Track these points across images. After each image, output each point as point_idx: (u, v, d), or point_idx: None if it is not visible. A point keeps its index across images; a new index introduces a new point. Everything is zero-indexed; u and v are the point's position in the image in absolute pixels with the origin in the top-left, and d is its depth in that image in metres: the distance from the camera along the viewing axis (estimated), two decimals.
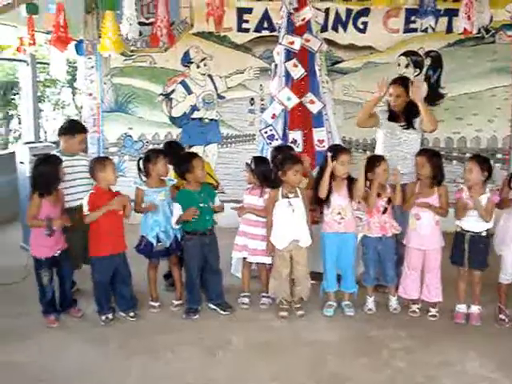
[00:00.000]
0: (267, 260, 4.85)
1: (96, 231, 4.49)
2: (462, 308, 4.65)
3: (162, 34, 5.72)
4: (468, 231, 4.50)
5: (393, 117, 5.17)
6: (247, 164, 4.90)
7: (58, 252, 4.55)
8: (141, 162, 4.86)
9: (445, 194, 4.60)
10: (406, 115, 5.13)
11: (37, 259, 4.53)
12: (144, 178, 4.80)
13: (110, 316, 4.60)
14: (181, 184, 4.81)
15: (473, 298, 4.62)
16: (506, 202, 4.47)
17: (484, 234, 4.49)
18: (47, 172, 4.47)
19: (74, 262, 4.79)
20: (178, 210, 4.59)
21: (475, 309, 4.61)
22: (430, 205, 4.57)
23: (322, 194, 4.62)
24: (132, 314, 4.65)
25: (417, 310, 4.75)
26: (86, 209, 4.43)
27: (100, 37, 7.05)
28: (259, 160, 4.94)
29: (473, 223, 4.47)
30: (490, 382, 3.71)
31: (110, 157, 5.62)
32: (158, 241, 4.72)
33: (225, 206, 4.86)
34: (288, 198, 4.62)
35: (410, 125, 5.10)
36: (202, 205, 4.64)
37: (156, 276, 4.94)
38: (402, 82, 5.19)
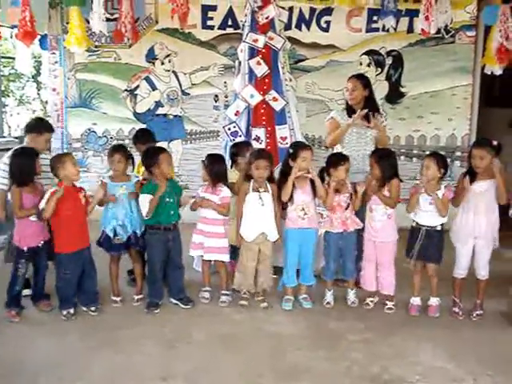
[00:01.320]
0: (224, 258, 4.91)
1: (60, 227, 4.49)
2: (416, 301, 4.77)
3: (127, 30, 5.76)
4: (423, 225, 4.63)
5: (351, 115, 5.16)
6: (202, 161, 4.92)
7: (42, 243, 4.59)
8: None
9: (395, 187, 4.70)
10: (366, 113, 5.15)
11: (19, 250, 4.53)
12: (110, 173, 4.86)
13: (72, 311, 4.60)
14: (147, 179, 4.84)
15: (431, 291, 4.75)
16: (459, 198, 4.61)
17: (439, 228, 4.62)
18: (22, 164, 4.49)
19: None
20: (146, 199, 4.60)
21: (434, 301, 4.74)
22: (383, 197, 4.68)
23: (285, 198, 4.71)
24: (93, 308, 4.67)
25: (370, 303, 4.88)
26: (42, 204, 4.40)
27: (64, 32, 7.15)
28: (214, 158, 4.94)
29: (428, 218, 4.60)
30: (442, 372, 3.82)
31: (74, 152, 5.67)
32: (116, 234, 4.74)
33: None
34: (259, 191, 4.69)
35: (369, 122, 5.13)
36: (167, 199, 4.68)
37: (117, 271, 4.96)
38: (358, 76, 5.30)
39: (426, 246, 4.63)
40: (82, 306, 4.70)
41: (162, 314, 4.69)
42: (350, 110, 5.22)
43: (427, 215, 4.60)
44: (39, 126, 5.10)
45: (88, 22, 5.62)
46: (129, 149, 5.03)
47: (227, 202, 4.81)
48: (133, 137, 5.50)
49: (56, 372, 3.78)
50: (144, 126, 7.24)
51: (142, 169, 5.00)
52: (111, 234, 4.74)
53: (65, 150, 7.14)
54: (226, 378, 3.74)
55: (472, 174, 4.55)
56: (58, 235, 4.53)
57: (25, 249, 4.53)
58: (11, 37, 7.90)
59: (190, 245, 4.97)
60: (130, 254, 4.94)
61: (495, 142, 4.53)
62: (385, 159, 4.70)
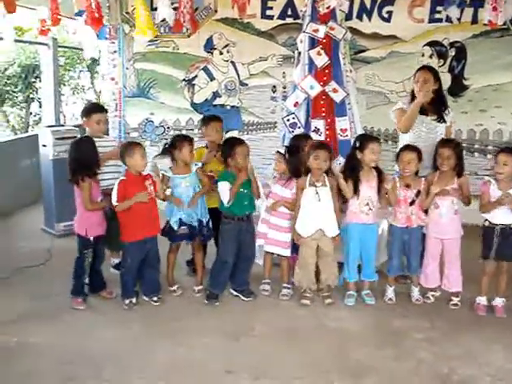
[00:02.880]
0: (285, 252, 4.86)
1: (127, 216, 4.50)
2: (482, 300, 4.65)
3: (185, 19, 5.72)
4: (497, 224, 4.48)
5: (421, 110, 5.00)
6: (279, 153, 4.84)
7: (103, 232, 4.64)
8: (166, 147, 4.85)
9: (466, 183, 4.60)
10: (435, 107, 5.04)
11: (85, 239, 4.58)
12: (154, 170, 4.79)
13: (134, 300, 4.62)
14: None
15: (498, 290, 4.61)
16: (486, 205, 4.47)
17: None
18: (88, 153, 4.52)
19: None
20: (226, 187, 4.58)
21: (500, 301, 4.61)
22: (449, 191, 4.56)
23: (350, 194, 4.64)
24: (155, 298, 4.69)
25: (431, 297, 4.80)
26: (114, 199, 4.44)
27: (124, 21, 7.19)
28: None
29: (503, 215, 4.45)
30: None
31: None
32: (181, 225, 4.72)
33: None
34: (315, 186, 4.61)
35: (441, 118, 5.03)
36: (241, 190, 4.64)
37: (175, 260, 4.94)
38: (430, 68, 5.18)
39: (502, 245, 4.47)
40: (144, 295, 4.72)
41: (222, 306, 4.68)
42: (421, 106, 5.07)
43: (501, 213, 4.45)
44: (87, 109, 5.19)
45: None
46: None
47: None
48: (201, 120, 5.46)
49: (119, 362, 3.81)
50: (201, 116, 7.20)
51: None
52: (175, 226, 4.72)
53: (122, 140, 7.16)
54: (292, 372, 3.70)
55: None
56: (125, 224, 4.54)
57: (91, 238, 4.56)
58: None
59: (256, 234, 4.93)
60: (193, 244, 4.93)
61: None
62: (460, 149, 4.63)
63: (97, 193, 4.57)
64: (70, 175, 4.48)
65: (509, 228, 4.47)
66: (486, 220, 4.53)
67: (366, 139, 4.70)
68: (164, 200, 4.74)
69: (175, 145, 4.72)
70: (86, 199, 4.45)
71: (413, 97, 5.12)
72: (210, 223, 4.87)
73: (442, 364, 3.81)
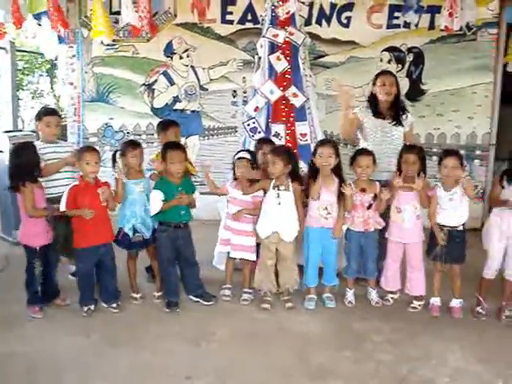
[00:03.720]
0: (250, 256, 4.86)
1: (80, 222, 4.43)
2: (436, 301, 4.72)
3: (144, 24, 5.67)
4: (445, 226, 4.56)
5: (378, 113, 5.16)
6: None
7: (50, 240, 4.53)
8: (116, 154, 4.80)
9: (427, 187, 4.67)
10: (393, 111, 5.15)
11: (31, 249, 4.47)
12: (116, 170, 4.70)
13: (92, 307, 4.56)
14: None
15: (453, 292, 4.68)
16: (496, 200, 4.54)
17: (461, 228, 4.56)
18: (27, 158, 4.39)
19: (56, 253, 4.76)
20: (158, 196, 4.56)
21: (456, 302, 4.68)
22: (413, 187, 4.61)
23: (314, 195, 4.66)
24: (114, 305, 4.63)
25: (390, 300, 4.86)
26: (63, 204, 4.37)
27: (82, 25, 7.11)
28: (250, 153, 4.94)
29: (449, 218, 4.55)
30: (472, 374, 3.77)
31: None
32: (135, 232, 4.68)
33: (201, 198, 4.84)
34: (278, 189, 4.62)
35: (398, 122, 5.12)
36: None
37: (136, 267, 4.90)
38: (392, 73, 5.31)
39: (449, 248, 4.56)
40: (103, 302, 4.66)
41: (183, 311, 4.64)
42: (375, 107, 5.17)
43: (448, 214, 4.54)
44: (38, 112, 5.07)
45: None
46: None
47: (260, 201, 4.76)
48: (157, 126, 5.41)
49: (80, 370, 3.75)
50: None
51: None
52: (130, 233, 4.67)
53: (81, 145, 7.07)
54: (252, 377, 3.70)
55: (510, 175, 4.47)
56: (77, 230, 4.48)
57: (37, 248, 4.47)
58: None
59: (218, 240, 4.94)
60: (148, 251, 4.87)
61: None
62: (423, 153, 4.72)
63: (40, 199, 4.43)
64: (10, 182, 4.38)
65: (455, 231, 4.55)
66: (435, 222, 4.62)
67: (316, 144, 4.78)
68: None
69: (122, 151, 4.69)
70: (28, 205, 4.33)
71: (371, 101, 5.20)
72: None
73: (401, 366, 3.84)
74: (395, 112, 5.15)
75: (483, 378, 3.73)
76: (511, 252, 4.54)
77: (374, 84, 5.19)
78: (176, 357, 3.91)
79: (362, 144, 5.24)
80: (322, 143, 4.79)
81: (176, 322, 4.46)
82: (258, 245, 4.84)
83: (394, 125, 5.10)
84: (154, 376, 3.70)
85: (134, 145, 4.76)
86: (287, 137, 5.53)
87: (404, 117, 5.17)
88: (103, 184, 4.54)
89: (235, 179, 4.85)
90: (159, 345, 4.06)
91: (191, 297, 4.81)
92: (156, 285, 4.91)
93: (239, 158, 4.80)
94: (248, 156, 4.81)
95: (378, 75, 5.21)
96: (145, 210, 4.69)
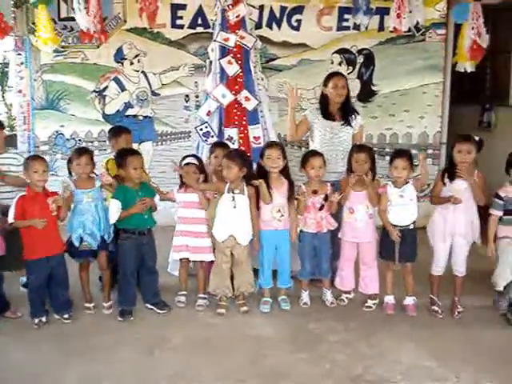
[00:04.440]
0: (209, 257, 4.83)
1: (29, 234, 4.33)
2: (390, 299, 4.77)
3: (95, 29, 5.60)
4: (396, 226, 4.60)
5: (328, 114, 5.19)
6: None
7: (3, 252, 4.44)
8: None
9: (377, 186, 4.71)
10: (342, 112, 5.19)
11: None
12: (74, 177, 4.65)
13: (44, 319, 4.47)
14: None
15: (406, 290, 4.74)
16: (438, 197, 4.61)
17: (411, 227, 4.61)
18: None
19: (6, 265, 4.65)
20: (116, 205, 4.50)
21: (410, 300, 4.73)
22: (366, 186, 4.66)
23: (266, 200, 4.66)
24: (66, 315, 4.54)
25: (345, 299, 4.89)
26: (11, 216, 4.27)
27: (30, 32, 6.98)
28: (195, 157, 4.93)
29: (400, 217, 4.59)
30: (425, 371, 3.81)
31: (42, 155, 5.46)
32: (82, 242, 4.58)
33: (158, 204, 4.80)
34: (233, 193, 4.60)
35: (347, 122, 5.16)
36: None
37: (88, 277, 4.79)
38: (343, 74, 5.36)
39: (401, 246, 4.61)
40: (55, 313, 4.56)
41: (137, 320, 4.58)
42: (325, 109, 5.20)
43: (399, 213, 4.58)
44: None
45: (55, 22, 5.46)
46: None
47: (208, 198, 4.76)
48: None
49: (29, 383, 3.66)
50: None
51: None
52: (77, 243, 4.56)
53: (32, 154, 6.93)
54: (207, 383, 3.66)
55: (451, 173, 4.53)
56: (26, 242, 4.37)
57: None
58: None
59: (172, 248, 4.88)
60: (99, 261, 4.76)
61: (477, 138, 4.54)
62: (372, 153, 4.77)
63: None
64: None
65: (407, 229, 4.60)
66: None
67: (264, 146, 4.82)
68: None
69: (70, 159, 4.62)
70: None
71: (321, 102, 5.23)
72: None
73: (355, 365, 3.86)
74: (345, 113, 5.19)
75: (436, 374, 3.77)
76: (457, 248, 4.61)
77: (324, 85, 5.21)
78: (129, 366, 3.85)
79: (312, 146, 5.25)
80: (269, 145, 4.80)
81: (129, 330, 4.40)
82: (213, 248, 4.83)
83: (343, 125, 5.14)
84: None
85: (79, 152, 4.65)
86: (240, 140, 5.52)
87: (353, 117, 5.20)
88: (52, 194, 4.44)
89: (182, 184, 4.82)
90: (112, 355, 3.99)
91: (146, 305, 4.76)
92: (104, 295, 4.80)
93: (186, 164, 4.76)
94: (195, 161, 4.78)
95: (329, 77, 5.23)
96: (93, 220, 4.59)
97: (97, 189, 4.65)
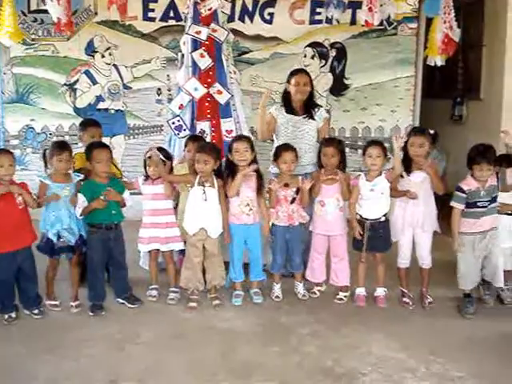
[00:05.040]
0: (179, 246, 4.83)
1: None
2: (362, 291, 4.80)
3: (65, 21, 5.52)
4: (367, 219, 4.63)
5: (291, 109, 5.19)
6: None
7: None
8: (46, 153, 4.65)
9: (348, 180, 4.73)
10: (306, 106, 5.19)
11: None
12: (49, 172, 4.59)
13: (13, 315, 4.41)
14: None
15: (377, 281, 4.77)
16: (395, 189, 4.65)
17: (383, 219, 4.64)
18: None
19: None
20: (81, 200, 4.46)
21: (381, 291, 4.77)
22: (336, 180, 4.69)
23: (232, 193, 4.66)
24: (36, 311, 4.48)
25: (317, 292, 4.90)
26: None
27: None
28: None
29: (371, 211, 4.63)
30: (395, 362, 3.83)
31: (12, 150, 5.40)
32: (59, 237, 4.52)
33: (128, 200, 4.74)
34: (203, 186, 4.59)
35: (310, 116, 5.16)
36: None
37: (55, 274, 4.69)
38: (306, 71, 5.32)
39: (373, 239, 4.64)
40: (25, 309, 4.50)
41: (108, 315, 4.55)
42: (288, 104, 5.20)
43: (370, 205, 4.62)
44: None
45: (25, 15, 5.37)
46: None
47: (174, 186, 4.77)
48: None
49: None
50: None
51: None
52: (54, 238, 4.49)
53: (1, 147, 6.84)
54: (178, 378, 3.65)
55: (408, 165, 4.58)
56: None
57: None
58: None
59: (138, 239, 4.84)
60: (71, 258, 4.67)
61: (432, 131, 4.60)
62: (343, 147, 4.79)
63: None
64: None
65: (378, 222, 4.63)
66: (357, 214, 4.67)
67: (231, 140, 4.83)
68: (40, 206, 4.49)
69: (50, 153, 4.54)
70: None
71: (285, 98, 5.24)
72: None
73: (326, 357, 3.87)
74: (307, 107, 5.19)
75: (406, 365, 3.79)
76: (419, 240, 4.67)
77: (288, 82, 5.22)
78: (99, 362, 3.81)
79: (276, 141, 5.25)
80: (236, 139, 4.81)
81: (101, 326, 4.36)
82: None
83: (305, 118, 5.14)
84: (77, 382, 3.59)
85: (61, 147, 4.58)
86: (213, 134, 5.50)
87: (316, 110, 5.19)
88: (19, 185, 4.37)
89: (147, 177, 4.80)
90: (82, 350, 3.95)
91: (118, 299, 4.73)
92: (72, 294, 4.70)
93: (149, 157, 4.75)
94: (159, 153, 4.75)
95: (292, 74, 5.22)
96: (70, 215, 4.53)
97: (73, 184, 4.58)
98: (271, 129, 5.27)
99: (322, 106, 5.33)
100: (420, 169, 4.56)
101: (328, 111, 7.00)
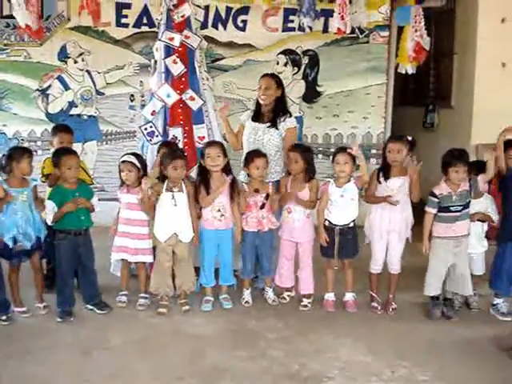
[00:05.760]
0: (149, 259, 4.82)
1: None
2: (331, 296, 4.84)
3: (33, 26, 5.50)
4: (336, 225, 4.67)
5: (258, 116, 5.20)
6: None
7: None
8: (3, 158, 4.58)
9: (315, 188, 4.75)
10: (272, 114, 5.17)
11: None
12: (5, 176, 4.53)
13: None
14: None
15: (346, 286, 4.82)
16: (373, 196, 4.70)
17: (351, 225, 4.69)
18: None
19: None
20: (51, 206, 4.44)
21: (350, 296, 4.81)
22: (300, 200, 4.72)
23: (205, 206, 4.68)
24: (4, 317, 4.45)
25: (286, 297, 4.93)
26: None
27: None
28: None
29: (340, 216, 4.66)
30: (362, 366, 3.88)
31: None
32: (15, 242, 4.48)
33: (101, 204, 4.75)
34: (172, 191, 4.60)
35: (273, 124, 5.12)
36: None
37: (18, 279, 4.65)
38: (272, 75, 5.32)
39: (341, 244, 4.68)
40: None
41: (77, 321, 4.54)
42: (258, 111, 5.22)
43: (340, 211, 4.65)
44: None
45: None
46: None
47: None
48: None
49: None
50: None
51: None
52: (11, 243, 4.45)
53: None
54: (145, 382, 3.65)
55: (385, 172, 4.63)
56: None
57: None
58: None
59: (112, 248, 4.83)
60: (32, 261, 4.65)
61: (410, 137, 4.66)
62: (308, 153, 4.79)
63: None
64: None
65: (346, 228, 4.67)
66: (326, 220, 4.71)
67: (204, 146, 4.87)
68: None
69: (13, 157, 4.49)
70: None
71: (256, 105, 5.27)
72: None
73: (292, 361, 3.90)
74: (273, 115, 5.17)
75: (372, 369, 3.84)
76: (391, 245, 4.72)
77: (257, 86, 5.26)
78: (64, 367, 3.81)
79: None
80: (208, 144, 4.84)
81: (68, 332, 4.35)
82: (153, 248, 4.81)
83: (268, 127, 5.12)
84: None
85: (24, 151, 4.57)
86: (185, 140, 5.51)
87: (282, 119, 5.14)
88: None
89: (123, 183, 4.79)
90: (48, 356, 3.94)
91: (87, 305, 4.72)
92: (37, 297, 4.71)
93: (123, 162, 4.74)
94: (132, 159, 4.75)
95: (260, 78, 5.26)
96: (27, 220, 4.51)
97: (30, 188, 4.56)
98: (240, 139, 5.29)
99: (291, 115, 5.28)
100: (398, 175, 4.60)
101: (300, 118, 7.12)
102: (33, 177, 4.66)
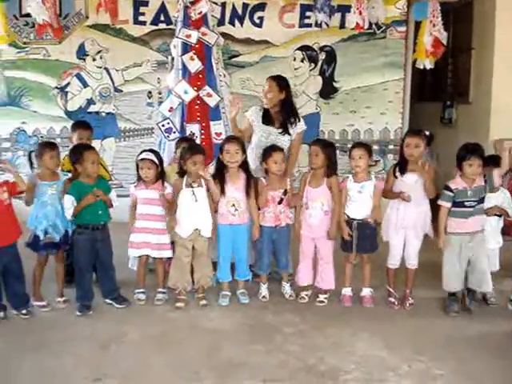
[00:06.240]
0: (168, 254, 4.85)
1: None
2: (348, 291, 4.83)
3: (51, 23, 5.56)
4: (354, 219, 4.67)
5: (268, 119, 5.18)
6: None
7: None
8: (32, 155, 4.74)
9: (335, 183, 4.72)
10: (282, 119, 5.16)
11: None
12: (36, 171, 4.65)
13: (2, 314, 4.43)
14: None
15: (363, 281, 4.81)
16: (389, 191, 4.68)
17: (369, 220, 4.67)
18: None
19: None
20: (70, 201, 4.50)
21: (367, 291, 4.80)
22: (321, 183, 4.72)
23: (216, 198, 4.71)
24: (24, 311, 4.50)
25: (305, 297, 4.88)
26: None
27: None
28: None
29: (358, 210, 4.65)
30: (378, 360, 3.87)
31: (3, 153, 5.45)
32: (46, 234, 4.56)
33: (120, 200, 4.78)
34: (192, 187, 4.63)
35: (285, 131, 5.13)
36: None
37: (42, 273, 4.72)
38: (274, 77, 5.26)
39: (360, 239, 4.67)
40: (13, 309, 4.51)
41: (95, 314, 4.58)
42: (267, 116, 5.21)
43: (357, 206, 4.65)
44: None
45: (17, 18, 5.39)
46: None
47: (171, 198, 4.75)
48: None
49: None
50: None
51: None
52: (41, 235, 4.54)
53: None
54: (161, 377, 3.68)
55: (402, 167, 4.62)
56: None
57: None
58: None
59: (129, 244, 4.85)
60: (57, 255, 4.72)
61: (427, 132, 4.64)
62: (330, 148, 4.75)
63: None
64: None
65: (364, 222, 4.66)
66: (345, 214, 4.70)
67: (223, 141, 4.85)
68: (27, 204, 4.57)
69: (38, 151, 4.60)
70: None
71: (263, 109, 5.27)
72: None
73: (309, 355, 3.91)
74: (283, 119, 5.16)
75: (389, 363, 3.83)
76: (409, 241, 4.69)
77: None
78: (83, 361, 3.85)
79: (248, 146, 5.21)
80: (228, 140, 4.83)
81: (88, 325, 4.39)
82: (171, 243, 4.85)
83: (281, 133, 5.12)
84: (60, 380, 3.63)
85: (51, 145, 4.67)
86: (202, 136, 5.55)
87: (293, 124, 5.15)
88: (2, 184, 4.40)
89: (139, 180, 4.82)
90: (67, 349, 3.98)
91: (105, 300, 4.76)
92: (58, 290, 4.77)
93: (142, 159, 4.77)
94: (151, 156, 4.78)
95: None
96: (56, 212, 4.59)
97: (60, 182, 4.64)
98: (247, 136, 5.25)
99: (300, 119, 5.24)
100: (412, 170, 4.58)
101: (317, 114, 7.14)
102: (64, 172, 4.76)
